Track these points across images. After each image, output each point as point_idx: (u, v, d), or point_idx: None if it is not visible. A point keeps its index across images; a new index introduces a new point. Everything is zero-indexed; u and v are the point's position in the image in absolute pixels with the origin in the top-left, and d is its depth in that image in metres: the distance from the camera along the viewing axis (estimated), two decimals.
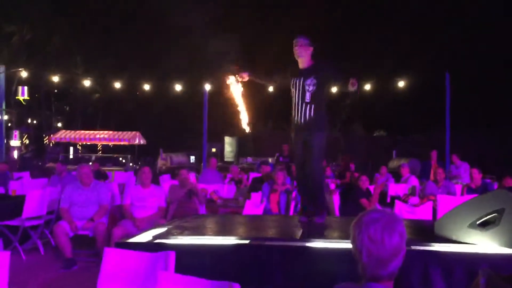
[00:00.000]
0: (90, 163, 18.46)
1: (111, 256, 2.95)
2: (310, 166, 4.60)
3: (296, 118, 4.64)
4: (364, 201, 7.32)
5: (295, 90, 4.61)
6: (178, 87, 17.11)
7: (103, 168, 14.66)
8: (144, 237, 3.79)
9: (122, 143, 25.59)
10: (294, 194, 6.96)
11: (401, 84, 15.83)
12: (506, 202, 3.24)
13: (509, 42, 24.10)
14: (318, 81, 4.53)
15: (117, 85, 18.40)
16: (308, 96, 4.53)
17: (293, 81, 4.63)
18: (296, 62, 4.72)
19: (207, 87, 15.65)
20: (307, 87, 4.53)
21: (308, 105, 4.54)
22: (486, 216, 3.35)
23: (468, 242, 3.41)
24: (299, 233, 4.18)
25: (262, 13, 30.88)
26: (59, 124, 37.83)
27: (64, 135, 24.92)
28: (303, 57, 4.62)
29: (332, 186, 9.21)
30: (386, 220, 1.70)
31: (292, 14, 31.30)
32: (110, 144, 27.65)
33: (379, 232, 1.67)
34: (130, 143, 25.62)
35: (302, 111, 4.57)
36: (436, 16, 28.40)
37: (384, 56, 29.07)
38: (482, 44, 25.63)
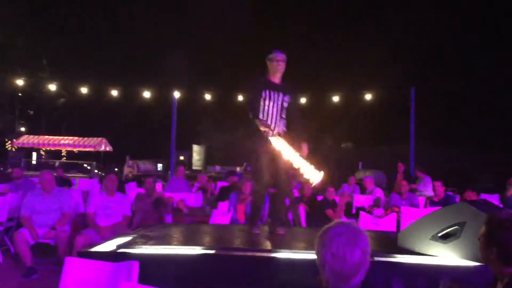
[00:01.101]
0: (54, 169, 18.05)
1: (72, 266, 2.87)
2: (284, 178, 4.71)
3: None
4: (329, 211, 7.37)
5: (272, 103, 4.57)
6: (146, 94, 16.95)
7: (67, 175, 14.35)
8: (107, 246, 3.71)
9: (87, 149, 25.15)
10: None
11: (368, 97, 16.12)
12: (467, 215, 3.32)
13: (475, 58, 24.92)
14: (291, 100, 4.67)
15: (84, 90, 18.08)
16: (284, 112, 4.65)
17: (269, 93, 4.56)
18: (264, 75, 4.68)
19: (176, 94, 15.58)
20: (285, 104, 4.62)
21: (283, 120, 4.65)
22: (447, 229, 3.42)
23: (430, 254, 3.48)
24: (265, 243, 4.18)
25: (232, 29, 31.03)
26: (23, 129, 36.83)
27: (27, 140, 24.34)
28: (281, 73, 4.64)
29: (296, 193, 9.18)
30: (349, 235, 1.71)
31: (259, 30, 31.65)
32: (75, 150, 27.11)
33: (341, 248, 1.68)
34: (96, 150, 25.21)
35: (278, 125, 4.59)
36: (404, 32, 29.14)
37: (352, 70, 29.61)
38: (448, 60, 26.44)
